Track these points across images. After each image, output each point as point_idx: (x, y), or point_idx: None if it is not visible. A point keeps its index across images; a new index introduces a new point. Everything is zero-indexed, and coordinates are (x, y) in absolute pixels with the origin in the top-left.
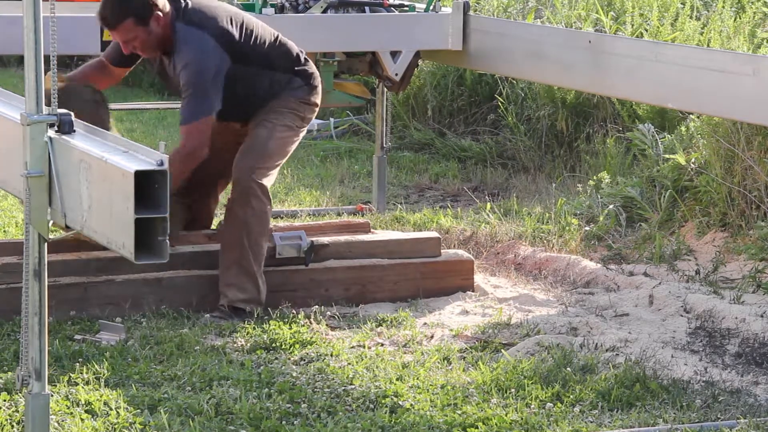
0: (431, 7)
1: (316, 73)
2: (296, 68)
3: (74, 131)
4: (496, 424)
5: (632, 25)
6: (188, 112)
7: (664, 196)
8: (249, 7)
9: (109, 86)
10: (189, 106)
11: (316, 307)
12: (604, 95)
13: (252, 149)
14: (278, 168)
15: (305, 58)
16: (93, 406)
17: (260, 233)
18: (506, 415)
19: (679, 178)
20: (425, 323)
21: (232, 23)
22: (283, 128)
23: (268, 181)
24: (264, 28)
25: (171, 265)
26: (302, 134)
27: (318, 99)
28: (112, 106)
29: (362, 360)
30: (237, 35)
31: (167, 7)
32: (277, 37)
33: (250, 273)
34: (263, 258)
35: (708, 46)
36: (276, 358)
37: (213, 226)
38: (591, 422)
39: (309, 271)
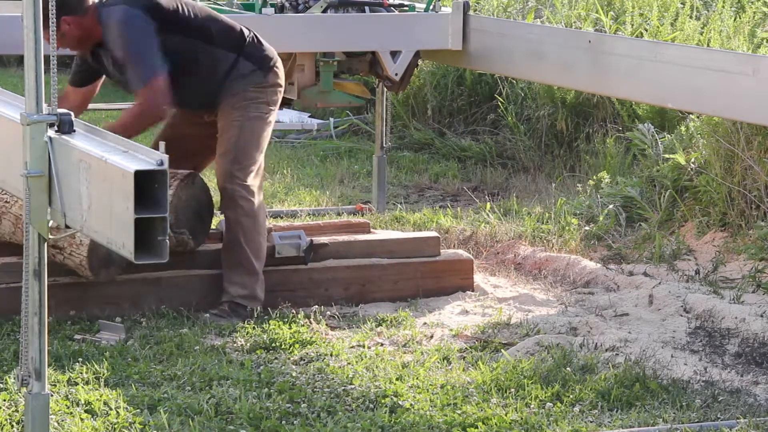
0: (431, 7)
1: (270, 54)
2: (242, 48)
3: (74, 131)
4: (495, 424)
5: (632, 25)
6: (135, 79)
7: (664, 196)
8: (249, 7)
9: (81, 109)
10: (133, 74)
11: (316, 306)
12: (604, 95)
13: (226, 153)
14: (260, 160)
15: (256, 40)
16: (93, 406)
17: (255, 231)
18: (506, 415)
19: (679, 178)
20: (425, 323)
21: None
22: (251, 121)
23: (253, 178)
24: (202, 6)
25: (171, 265)
26: (273, 118)
27: (278, 79)
28: (113, 105)
29: (362, 360)
30: (164, 3)
31: (87, 5)
32: (220, 17)
33: (252, 271)
34: (264, 254)
35: (708, 46)
36: (276, 358)
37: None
38: (591, 422)
39: (308, 271)
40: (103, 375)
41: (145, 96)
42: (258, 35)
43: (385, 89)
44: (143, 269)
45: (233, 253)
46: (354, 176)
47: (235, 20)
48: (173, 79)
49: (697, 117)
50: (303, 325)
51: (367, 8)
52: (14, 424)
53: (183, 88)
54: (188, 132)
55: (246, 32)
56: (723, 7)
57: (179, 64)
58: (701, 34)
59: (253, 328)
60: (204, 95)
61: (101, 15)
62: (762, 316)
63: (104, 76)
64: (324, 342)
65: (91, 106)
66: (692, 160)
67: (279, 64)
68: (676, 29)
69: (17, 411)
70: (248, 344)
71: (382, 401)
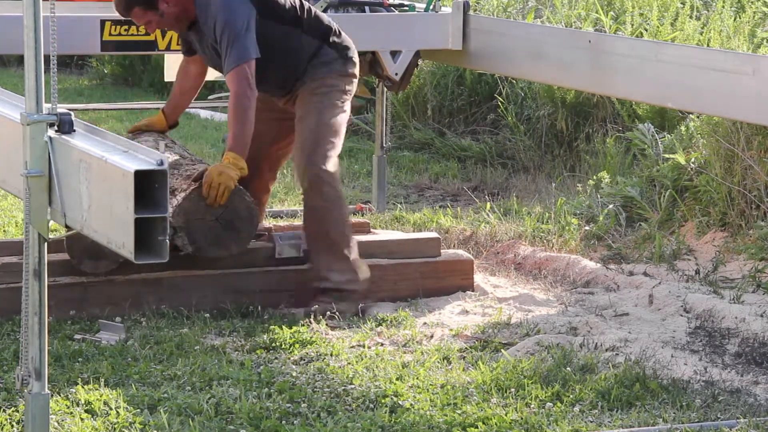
0: (431, 7)
1: (352, 46)
2: (329, 38)
3: (74, 131)
4: (495, 424)
5: (632, 25)
6: (227, 61)
7: (664, 196)
8: None
9: (202, 76)
10: (226, 55)
11: (316, 306)
12: (604, 95)
13: (305, 141)
14: (339, 146)
15: (339, 31)
16: (93, 406)
17: (341, 215)
18: (506, 415)
19: (679, 178)
20: (425, 323)
21: None
22: (330, 108)
23: (332, 164)
24: None
25: (171, 265)
26: (349, 107)
27: (355, 70)
28: (112, 105)
29: (362, 360)
30: None
31: None
32: (308, 6)
33: (344, 256)
34: (352, 239)
35: (708, 46)
36: (276, 358)
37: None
38: (591, 422)
39: (309, 271)
40: (103, 375)
41: (233, 80)
42: (339, 27)
43: (385, 89)
44: (143, 269)
45: (321, 241)
46: (354, 176)
47: None
48: (263, 62)
49: (697, 117)
50: (303, 325)
51: (367, 8)
52: (14, 424)
53: (269, 71)
54: (262, 128)
55: (332, 23)
56: (723, 7)
57: (271, 49)
58: (701, 34)
59: (254, 328)
60: (286, 79)
61: None
62: (762, 316)
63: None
64: (324, 342)
65: (90, 106)
66: (692, 160)
67: (356, 57)
68: (676, 29)
69: (17, 411)
70: (248, 344)
71: (382, 401)
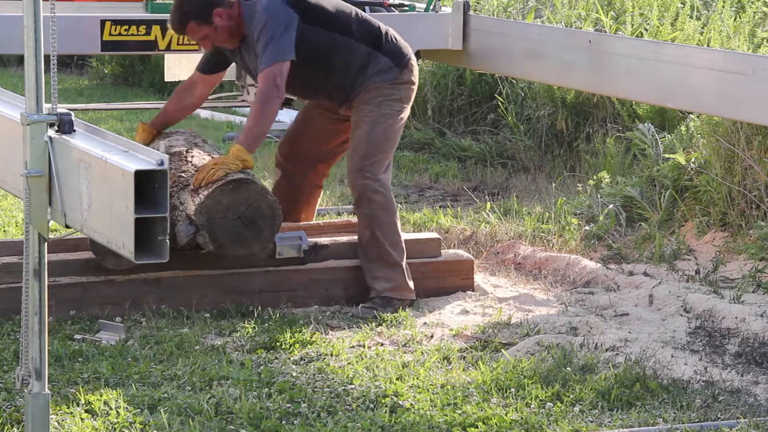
0: (431, 7)
1: (406, 51)
2: (380, 44)
3: (74, 131)
4: (496, 424)
5: (632, 25)
6: (262, 60)
7: (664, 196)
8: None
9: (202, 98)
10: (262, 55)
11: (316, 306)
12: (604, 95)
13: (356, 151)
14: (390, 155)
15: (393, 36)
16: (93, 406)
17: (391, 222)
18: (506, 415)
19: (679, 178)
20: (425, 323)
21: None
22: (383, 117)
23: (384, 172)
24: (339, 2)
25: (171, 265)
26: (405, 114)
27: (412, 76)
28: (113, 106)
29: (362, 360)
30: None
31: None
32: (356, 11)
33: (393, 263)
34: (403, 245)
35: (708, 45)
36: (276, 358)
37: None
38: (591, 422)
39: (309, 271)
40: (103, 375)
41: (264, 79)
42: (392, 30)
43: None
44: (144, 269)
45: (371, 248)
46: None
47: None
48: (313, 71)
49: (697, 117)
50: (303, 325)
51: (367, 8)
52: (14, 424)
53: (321, 80)
54: (322, 126)
55: (382, 27)
56: (723, 7)
57: (319, 56)
58: (701, 34)
59: (253, 328)
60: (340, 88)
61: (244, 8)
62: (762, 315)
63: (227, 69)
64: (324, 342)
65: (90, 106)
66: (692, 160)
67: (414, 61)
68: (676, 29)
69: (17, 411)
70: (248, 344)
71: (383, 401)
